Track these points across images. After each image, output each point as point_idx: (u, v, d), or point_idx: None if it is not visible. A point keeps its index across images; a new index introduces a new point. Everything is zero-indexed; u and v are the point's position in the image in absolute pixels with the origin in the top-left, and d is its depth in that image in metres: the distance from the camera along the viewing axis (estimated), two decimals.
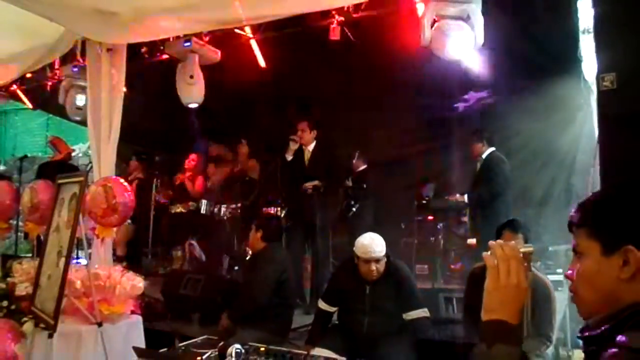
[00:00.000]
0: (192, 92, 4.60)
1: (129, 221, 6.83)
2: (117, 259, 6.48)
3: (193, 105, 4.75)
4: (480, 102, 6.39)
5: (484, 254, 1.24)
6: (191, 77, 4.54)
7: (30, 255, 4.88)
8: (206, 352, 2.51)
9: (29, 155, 9.29)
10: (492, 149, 5.41)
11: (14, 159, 10.97)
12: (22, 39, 4.65)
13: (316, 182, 5.43)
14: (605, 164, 1.95)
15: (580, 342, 1.21)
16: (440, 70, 3.85)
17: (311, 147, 5.62)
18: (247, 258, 4.57)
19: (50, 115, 10.75)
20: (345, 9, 4.37)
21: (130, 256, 6.93)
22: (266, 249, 4.12)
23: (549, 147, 6.39)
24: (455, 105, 6.72)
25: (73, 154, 9.58)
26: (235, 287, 4.67)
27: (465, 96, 6.54)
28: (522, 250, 1.22)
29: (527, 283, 1.20)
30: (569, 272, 1.23)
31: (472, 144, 5.51)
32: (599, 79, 2.06)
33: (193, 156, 7.18)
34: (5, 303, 3.46)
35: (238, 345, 2.36)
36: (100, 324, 3.10)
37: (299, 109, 6.66)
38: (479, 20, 3.50)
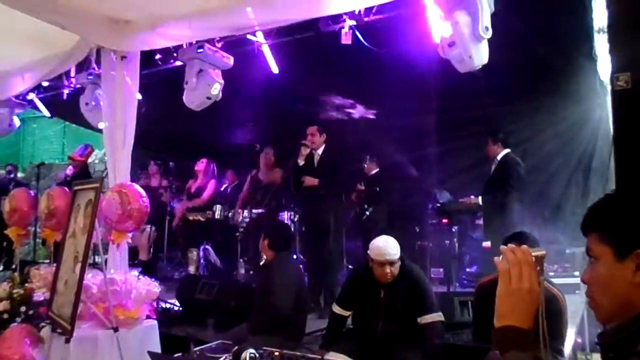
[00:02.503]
0: (191, 96, 4.65)
1: (150, 226, 7.06)
2: (139, 264, 6.67)
3: (191, 107, 4.76)
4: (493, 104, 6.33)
5: (496, 258, 1.22)
6: (186, 83, 4.61)
7: (47, 261, 4.94)
8: (221, 357, 2.53)
9: (46, 162, 9.41)
10: (507, 150, 5.37)
11: (32, 166, 11.13)
12: (39, 48, 4.72)
13: (315, 182, 5.44)
14: (621, 164, 1.92)
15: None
16: (454, 72, 3.84)
17: (320, 150, 5.63)
18: (261, 264, 4.56)
19: (67, 123, 10.90)
20: (357, 13, 4.38)
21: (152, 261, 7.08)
22: (275, 260, 4.08)
23: (565, 148, 6.33)
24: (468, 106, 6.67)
25: (89, 160, 9.71)
26: (250, 292, 4.67)
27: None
28: (534, 254, 1.20)
29: (541, 287, 1.18)
30: (585, 276, 1.22)
31: (488, 145, 5.47)
32: (614, 78, 2.03)
33: (203, 159, 7.23)
34: (23, 308, 3.51)
35: (252, 350, 2.37)
36: (116, 329, 3.13)
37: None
38: (485, 6, 3.44)
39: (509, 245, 1.24)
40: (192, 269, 6.75)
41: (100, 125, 4.87)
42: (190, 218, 7.07)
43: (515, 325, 1.14)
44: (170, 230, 7.26)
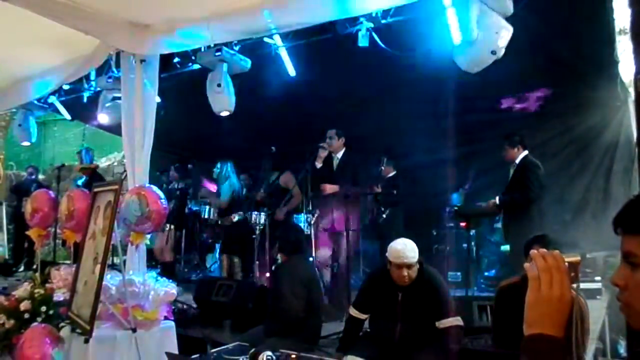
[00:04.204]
0: (222, 100, 4.65)
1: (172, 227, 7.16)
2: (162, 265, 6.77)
3: (225, 114, 4.78)
4: (514, 107, 6.26)
5: (526, 265, 1.16)
6: (219, 85, 4.59)
7: (67, 261, 5.00)
8: (238, 359, 2.53)
9: (66, 164, 9.55)
10: (526, 153, 5.30)
11: (52, 168, 11.29)
12: (59, 52, 4.79)
13: (336, 189, 5.44)
14: None
15: (623, 352, 1.15)
16: (473, 74, 3.81)
17: (340, 154, 5.62)
18: (274, 268, 4.59)
19: (87, 126, 11.05)
20: (374, 15, 4.37)
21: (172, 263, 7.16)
22: (286, 263, 4.11)
23: (586, 151, 6.24)
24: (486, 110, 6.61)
25: (108, 163, 9.89)
26: (266, 294, 4.69)
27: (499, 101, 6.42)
28: (567, 260, 1.13)
29: (574, 295, 1.12)
30: (618, 279, 1.13)
31: (506, 148, 5.40)
32: (637, 80, 1.99)
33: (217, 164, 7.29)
34: (44, 308, 3.55)
35: (269, 353, 2.37)
36: (134, 330, 3.15)
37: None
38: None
39: (540, 250, 1.17)
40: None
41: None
42: (221, 223, 7.13)
43: (546, 334, 1.08)
44: (187, 232, 7.34)
